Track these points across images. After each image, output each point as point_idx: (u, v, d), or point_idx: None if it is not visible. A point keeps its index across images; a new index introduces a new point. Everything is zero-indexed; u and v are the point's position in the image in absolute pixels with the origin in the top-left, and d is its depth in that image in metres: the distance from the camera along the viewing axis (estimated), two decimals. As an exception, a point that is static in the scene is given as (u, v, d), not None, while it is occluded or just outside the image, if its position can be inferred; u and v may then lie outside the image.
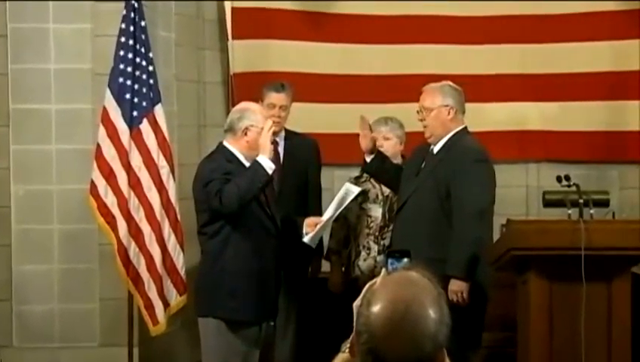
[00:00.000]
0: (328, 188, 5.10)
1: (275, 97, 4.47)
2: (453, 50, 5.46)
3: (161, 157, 4.40)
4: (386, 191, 4.45)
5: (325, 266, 4.72)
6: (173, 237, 4.43)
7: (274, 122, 4.28)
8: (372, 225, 4.47)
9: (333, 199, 4.08)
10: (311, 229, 3.96)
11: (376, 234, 4.45)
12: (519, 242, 3.69)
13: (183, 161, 4.91)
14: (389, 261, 1.73)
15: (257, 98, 4.40)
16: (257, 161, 3.66)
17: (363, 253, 4.48)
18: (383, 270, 1.67)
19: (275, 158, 4.27)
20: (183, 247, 4.47)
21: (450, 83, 4.09)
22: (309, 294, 4.65)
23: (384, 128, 4.46)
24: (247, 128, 3.76)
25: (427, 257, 3.40)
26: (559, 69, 5.50)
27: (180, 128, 5.01)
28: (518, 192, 5.56)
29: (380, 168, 4.19)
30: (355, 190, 4.07)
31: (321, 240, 4.30)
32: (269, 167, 3.65)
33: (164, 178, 4.39)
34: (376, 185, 4.48)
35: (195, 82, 5.34)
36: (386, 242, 4.39)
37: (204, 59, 5.41)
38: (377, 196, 4.50)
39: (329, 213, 4.03)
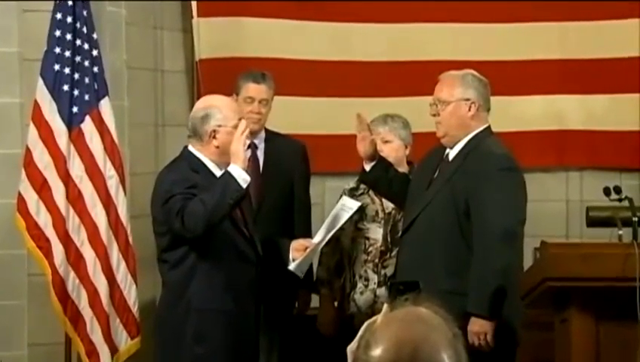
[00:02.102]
0: (318, 203, 5.14)
1: (254, 89, 4.52)
2: (474, 29, 5.50)
3: (109, 164, 4.43)
4: (389, 207, 4.49)
5: (315, 300, 4.75)
6: (123, 264, 4.46)
7: (253, 120, 4.33)
8: (371, 249, 4.51)
9: (327, 216, 4.12)
10: (298, 254, 3.98)
11: (376, 260, 4.50)
12: (557, 270, 3.75)
13: (137, 170, 4.95)
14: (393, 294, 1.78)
15: (230, 91, 4.45)
16: (228, 172, 3.64)
17: (360, 285, 4.52)
18: (385, 305, 1.71)
19: (253, 166, 4.31)
20: (135, 278, 4.50)
21: (474, 72, 4.13)
22: (295, 335, 4.68)
23: (382, 129, 4.49)
24: (214, 131, 3.77)
25: (441, 289, 3.49)
26: (608, 54, 5.55)
27: (132, 128, 5.04)
28: (556, 208, 5.61)
29: (380, 177, 4.21)
30: (354, 205, 4.11)
31: (310, 268, 4.34)
32: (243, 179, 3.63)
33: (112, 191, 4.42)
34: (376, 200, 4.52)
35: (152, 70, 5.38)
36: (389, 271, 4.43)
37: (163, 42, 5.45)
38: (377, 213, 4.54)
39: (321, 234, 4.06)
